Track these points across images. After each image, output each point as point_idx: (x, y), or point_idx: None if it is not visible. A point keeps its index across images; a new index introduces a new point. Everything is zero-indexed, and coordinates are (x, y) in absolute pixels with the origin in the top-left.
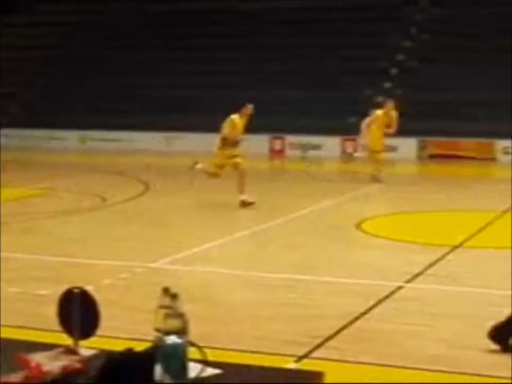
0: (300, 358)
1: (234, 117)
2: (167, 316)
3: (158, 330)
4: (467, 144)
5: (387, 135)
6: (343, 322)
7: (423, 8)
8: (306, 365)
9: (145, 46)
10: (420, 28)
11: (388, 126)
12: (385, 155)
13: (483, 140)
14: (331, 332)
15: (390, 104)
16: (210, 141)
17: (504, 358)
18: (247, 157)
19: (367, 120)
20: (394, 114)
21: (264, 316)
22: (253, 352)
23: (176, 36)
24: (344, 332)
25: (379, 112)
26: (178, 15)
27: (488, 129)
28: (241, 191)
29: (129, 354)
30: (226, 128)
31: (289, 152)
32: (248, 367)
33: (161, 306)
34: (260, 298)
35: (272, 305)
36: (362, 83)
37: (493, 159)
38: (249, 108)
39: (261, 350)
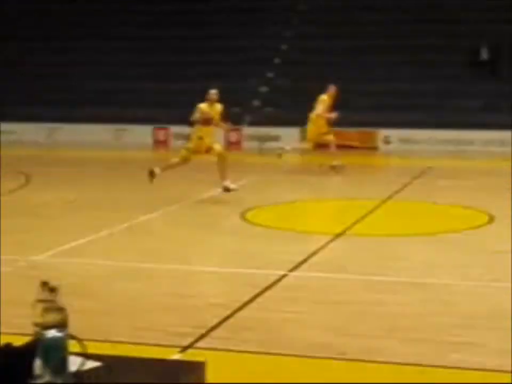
0: (184, 349)
1: (202, 105)
2: (46, 310)
3: (37, 324)
4: (350, 133)
5: (330, 120)
6: (228, 312)
7: None
8: (190, 355)
9: (24, 38)
10: (302, 18)
11: (330, 110)
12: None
13: (365, 130)
14: (216, 321)
15: (332, 88)
16: (94, 131)
17: (390, 343)
18: (130, 148)
19: (321, 109)
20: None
21: (148, 307)
22: (136, 344)
23: (56, 27)
24: (229, 321)
25: (323, 96)
26: (57, 5)
27: (369, 119)
28: (224, 177)
29: (8, 349)
30: (195, 114)
31: (174, 142)
32: (129, 359)
33: (40, 300)
34: (143, 289)
35: (156, 296)
36: (245, 73)
37: (375, 148)
38: (212, 93)
39: (144, 341)
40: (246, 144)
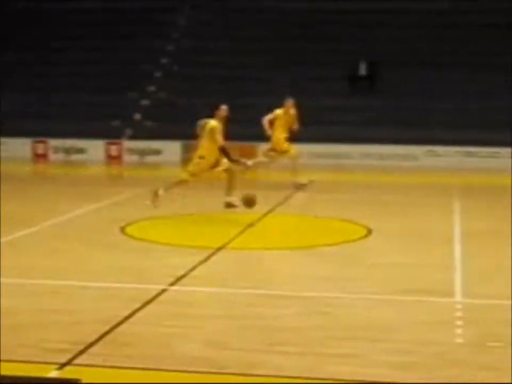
0: (62, 366)
1: (216, 123)
2: None
3: None
4: (231, 147)
5: (292, 132)
6: (107, 327)
7: (185, 13)
8: (68, 372)
9: None
10: (184, 32)
11: (290, 124)
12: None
13: (246, 143)
14: (95, 337)
15: (289, 102)
16: None
17: (271, 357)
18: (9, 161)
19: (267, 117)
20: (293, 112)
21: (25, 324)
22: (11, 361)
23: None
24: (108, 336)
25: (279, 111)
26: None
27: (250, 133)
28: (229, 193)
29: None
30: (217, 137)
31: (53, 156)
32: (3, 377)
33: None
34: (20, 305)
35: (34, 312)
36: (126, 86)
37: None
38: (223, 110)
39: (21, 358)
40: (126, 158)
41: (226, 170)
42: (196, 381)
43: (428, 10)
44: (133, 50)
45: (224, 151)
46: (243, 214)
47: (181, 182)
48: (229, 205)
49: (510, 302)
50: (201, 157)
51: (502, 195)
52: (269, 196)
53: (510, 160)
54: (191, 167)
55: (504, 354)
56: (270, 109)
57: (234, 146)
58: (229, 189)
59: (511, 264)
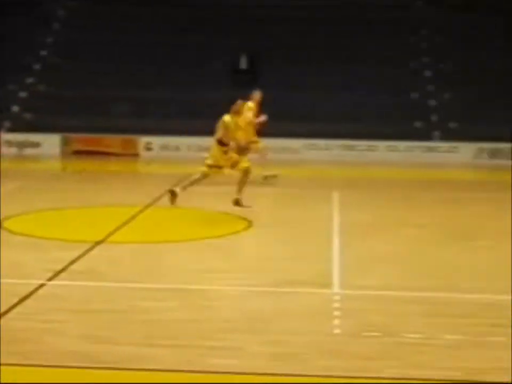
0: None
1: (227, 117)
2: None
3: None
4: (112, 140)
5: (260, 126)
6: None
7: (65, 4)
8: None
9: None
10: (63, 24)
11: (257, 116)
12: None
13: (127, 136)
14: None
15: (257, 95)
16: None
17: (151, 350)
18: None
19: (248, 118)
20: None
21: None
22: None
23: None
24: None
25: (251, 105)
26: None
27: (131, 126)
28: (240, 191)
29: None
30: (222, 130)
31: None
32: None
33: None
34: None
35: None
36: (4, 79)
37: (136, 155)
38: (239, 104)
39: None
40: (4, 150)
41: (245, 170)
42: (76, 376)
43: (307, 6)
44: (12, 42)
45: (220, 143)
46: (124, 208)
47: (202, 175)
48: (238, 203)
49: (386, 293)
50: (225, 152)
51: (379, 187)
52: (150, 189)
53: (387, 153)
54: (210, 161)
55: (379, 344)
56: (154, 100)
57: (116, 139)
58: (241, 187)
59: (388, 255)
